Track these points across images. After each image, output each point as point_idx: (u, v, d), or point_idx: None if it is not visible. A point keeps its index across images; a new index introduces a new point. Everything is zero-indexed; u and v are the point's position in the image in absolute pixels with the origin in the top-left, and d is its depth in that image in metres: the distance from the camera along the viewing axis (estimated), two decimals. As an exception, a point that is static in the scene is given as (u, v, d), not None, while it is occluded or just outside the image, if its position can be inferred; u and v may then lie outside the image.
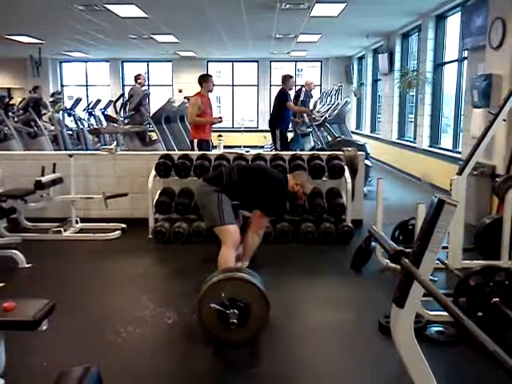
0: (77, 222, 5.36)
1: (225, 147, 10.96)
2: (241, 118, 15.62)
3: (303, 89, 9.50)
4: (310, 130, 9.41)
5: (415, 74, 8.80)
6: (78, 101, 11.50)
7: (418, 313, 2.83)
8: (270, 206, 3.57)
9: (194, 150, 6.43)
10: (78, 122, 10.83)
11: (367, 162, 6.49)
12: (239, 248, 3.70)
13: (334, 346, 3.01)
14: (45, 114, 9.64)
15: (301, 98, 9.17)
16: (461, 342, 2.81)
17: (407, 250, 1.67)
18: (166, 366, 2.72)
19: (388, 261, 3.93)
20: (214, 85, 6.74)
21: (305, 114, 9.09)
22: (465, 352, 2.69)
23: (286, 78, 8.16)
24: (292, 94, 8.72)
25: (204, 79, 6.63)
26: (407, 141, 9.80)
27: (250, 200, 3.57)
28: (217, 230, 3.46)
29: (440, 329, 2.97)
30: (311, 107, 9.94)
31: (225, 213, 3.42)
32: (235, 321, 2.71)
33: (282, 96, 8.09)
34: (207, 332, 2.88)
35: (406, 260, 1.61)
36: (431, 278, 3.23)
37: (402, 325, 1.71)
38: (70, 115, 11.05)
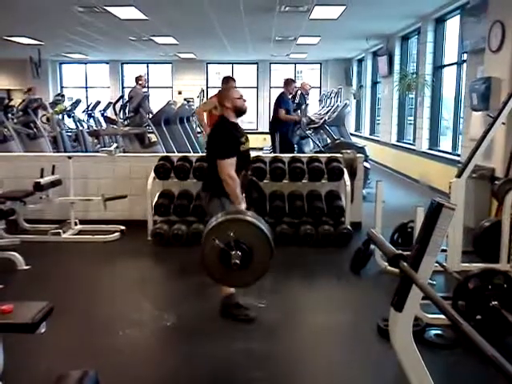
0: (76, 224, 5.36)
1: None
2: (240, 119, 15.59)
3: (299, 91, 9.40)
4: (310, 131, 9.36)
5: (414, 76, 8.81)
6: (77, 102, 11.50)
7: (416, 316, 2.83)
8: (217, 150, 3.43)
9: None
10: (78, 124, 10.83)
11: (366, 164, 6.49)
12: None
13: (333, 349, 3.01)
14: (44, 115, 9.64)
15: (296, 101, 9.04)
16: (460, 346, 2.81)
17: (406, 253, 1.66)
18: (165, 369, 2.71)
19: (387, 264, 3.93)
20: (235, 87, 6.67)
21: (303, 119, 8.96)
22: (463, 355, 2.69)
23: (288, 82, 7.96)
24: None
25: (228, 81, 6.59)
26: (406, 143, 9.81)
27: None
28: None
29: (439, 332, 2.97)
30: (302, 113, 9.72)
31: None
32: (237, 261, 2.67)
33: (279, 101, 7.87)
34: (208, 272, 2.85)
35: (405, 264, 1.60)
36: (429, 281, 3.22)
37: (401, 329, 1.71)
38: (69, 117, 11.05)
